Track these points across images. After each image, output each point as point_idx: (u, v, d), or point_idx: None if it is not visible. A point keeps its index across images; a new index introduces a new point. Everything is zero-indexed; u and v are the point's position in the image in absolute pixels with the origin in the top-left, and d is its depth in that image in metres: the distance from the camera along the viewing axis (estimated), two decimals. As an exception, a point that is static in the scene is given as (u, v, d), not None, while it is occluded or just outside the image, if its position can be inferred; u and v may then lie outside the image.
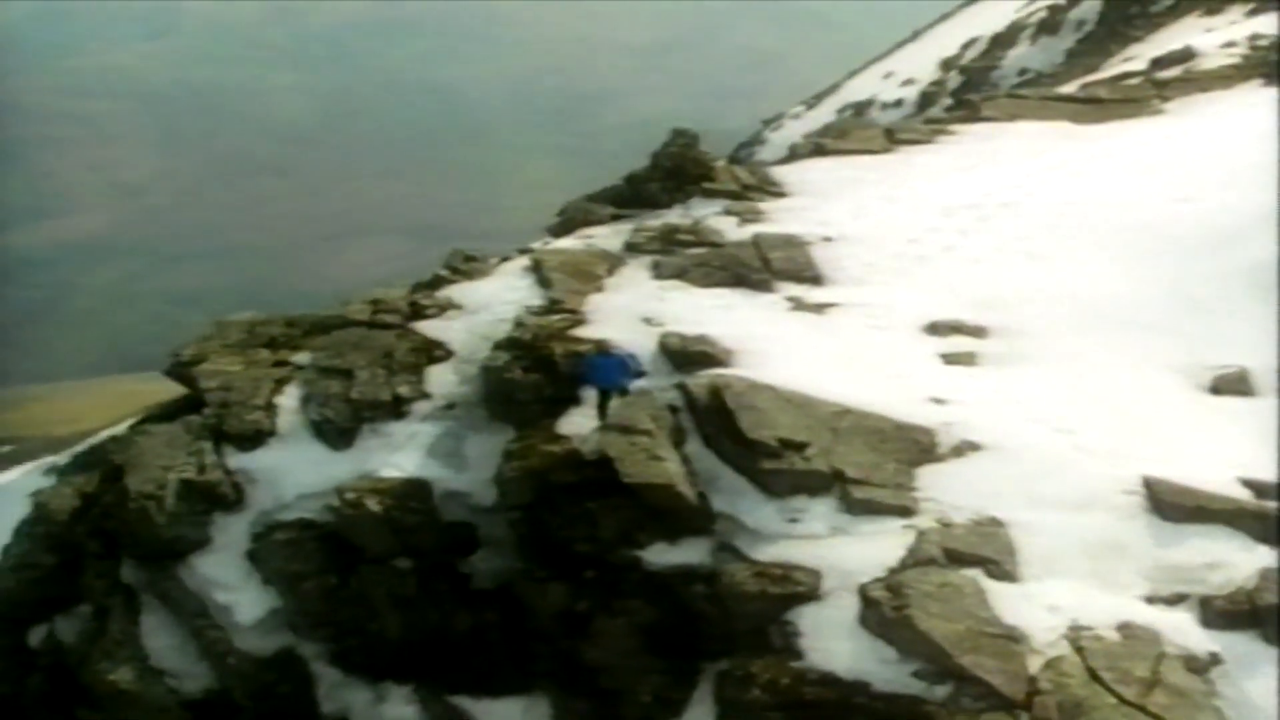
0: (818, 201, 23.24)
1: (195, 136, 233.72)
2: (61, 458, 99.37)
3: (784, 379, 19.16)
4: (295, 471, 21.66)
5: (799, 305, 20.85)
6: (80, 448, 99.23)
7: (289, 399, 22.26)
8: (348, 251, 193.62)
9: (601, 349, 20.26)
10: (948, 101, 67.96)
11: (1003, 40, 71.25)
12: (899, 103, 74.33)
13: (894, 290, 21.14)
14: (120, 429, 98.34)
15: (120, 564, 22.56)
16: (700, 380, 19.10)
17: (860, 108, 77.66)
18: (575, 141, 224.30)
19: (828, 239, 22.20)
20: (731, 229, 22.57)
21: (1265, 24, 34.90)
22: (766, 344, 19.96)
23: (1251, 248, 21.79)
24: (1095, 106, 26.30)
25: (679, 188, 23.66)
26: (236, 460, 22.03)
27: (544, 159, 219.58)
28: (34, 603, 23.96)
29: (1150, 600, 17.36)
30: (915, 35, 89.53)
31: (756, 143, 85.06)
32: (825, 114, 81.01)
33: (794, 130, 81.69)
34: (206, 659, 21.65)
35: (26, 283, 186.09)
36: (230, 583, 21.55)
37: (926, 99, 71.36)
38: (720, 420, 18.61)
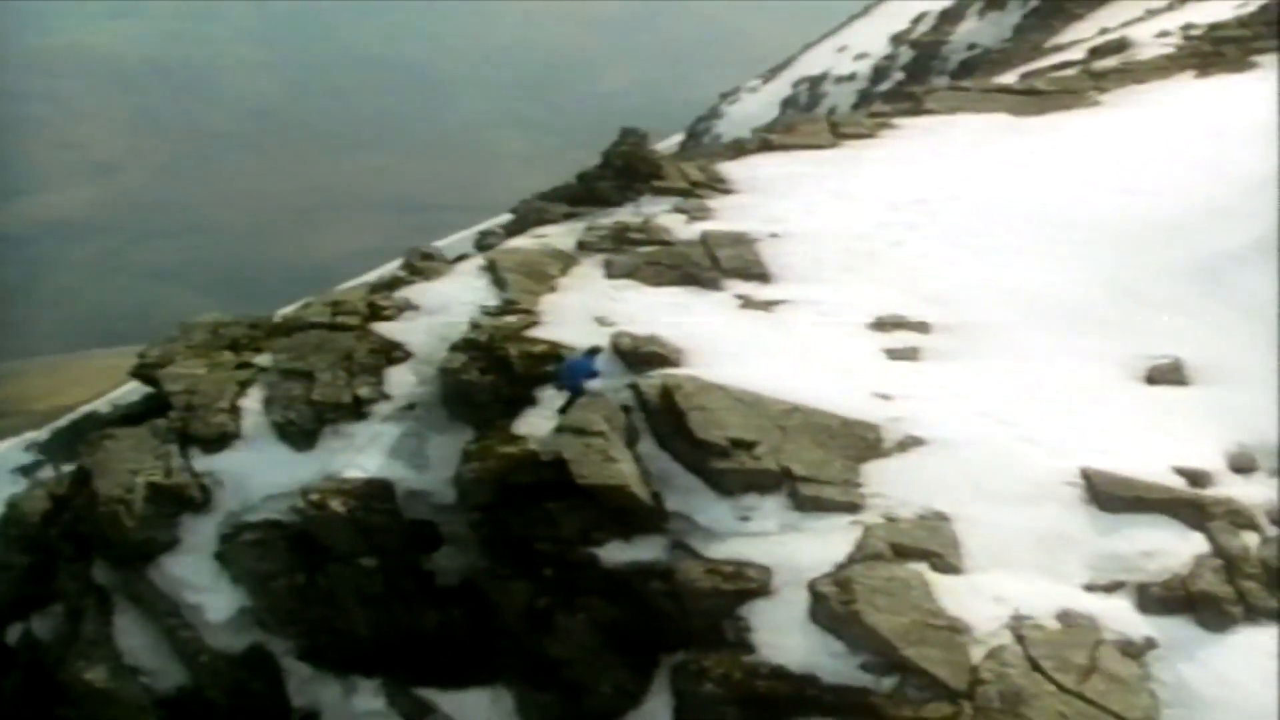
0: (765, 198, 23.19)
1: (166, 114, 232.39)
2: (42, 433, 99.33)
3: (733, 378, 19.20)
4: (261, 473, 21.63)
5: (748, 303, 20.85)
6: (60, 423, 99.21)
7: (252, 401, 22.21)
8: (324, 226, 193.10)
9: (592, 350, 20.20)
10: (899, 75, 68.10)
11: (951, 15, 71.32)
12: (852, 76, 74.37)
13: (841, 286, 21.15)
14: (99, 404, 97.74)
15: (92, 565, 22.52)
16: (651, 381, 19.13)
17: (814, 81, 77.64)
18: (542, 113, 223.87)
19: (775, 236, 22.16)
20: (681, 227, 22.51)
21: (1198, 13, 34.88)
22: (716, 342, 19.96)
23: (1187, 241, 21.91)
24: (1034, 99, 26.28)
25: (630, 186, 23.61)
26: (203, 462, 22.00)
27: (512, 130, 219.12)
28: (10, 603, 23.95)
29: (1090, 588, 17.55)
30: (866, 9, 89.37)
31: (714, 116, 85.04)
32: (781, 87, 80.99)
33: (750, 103, 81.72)
34: (179, 657, 21.64)
35: (4, 260, 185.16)
36: (200, 583, 21.53)
37: (879, 73, 71.43)
38: (672, 421, 18.67)
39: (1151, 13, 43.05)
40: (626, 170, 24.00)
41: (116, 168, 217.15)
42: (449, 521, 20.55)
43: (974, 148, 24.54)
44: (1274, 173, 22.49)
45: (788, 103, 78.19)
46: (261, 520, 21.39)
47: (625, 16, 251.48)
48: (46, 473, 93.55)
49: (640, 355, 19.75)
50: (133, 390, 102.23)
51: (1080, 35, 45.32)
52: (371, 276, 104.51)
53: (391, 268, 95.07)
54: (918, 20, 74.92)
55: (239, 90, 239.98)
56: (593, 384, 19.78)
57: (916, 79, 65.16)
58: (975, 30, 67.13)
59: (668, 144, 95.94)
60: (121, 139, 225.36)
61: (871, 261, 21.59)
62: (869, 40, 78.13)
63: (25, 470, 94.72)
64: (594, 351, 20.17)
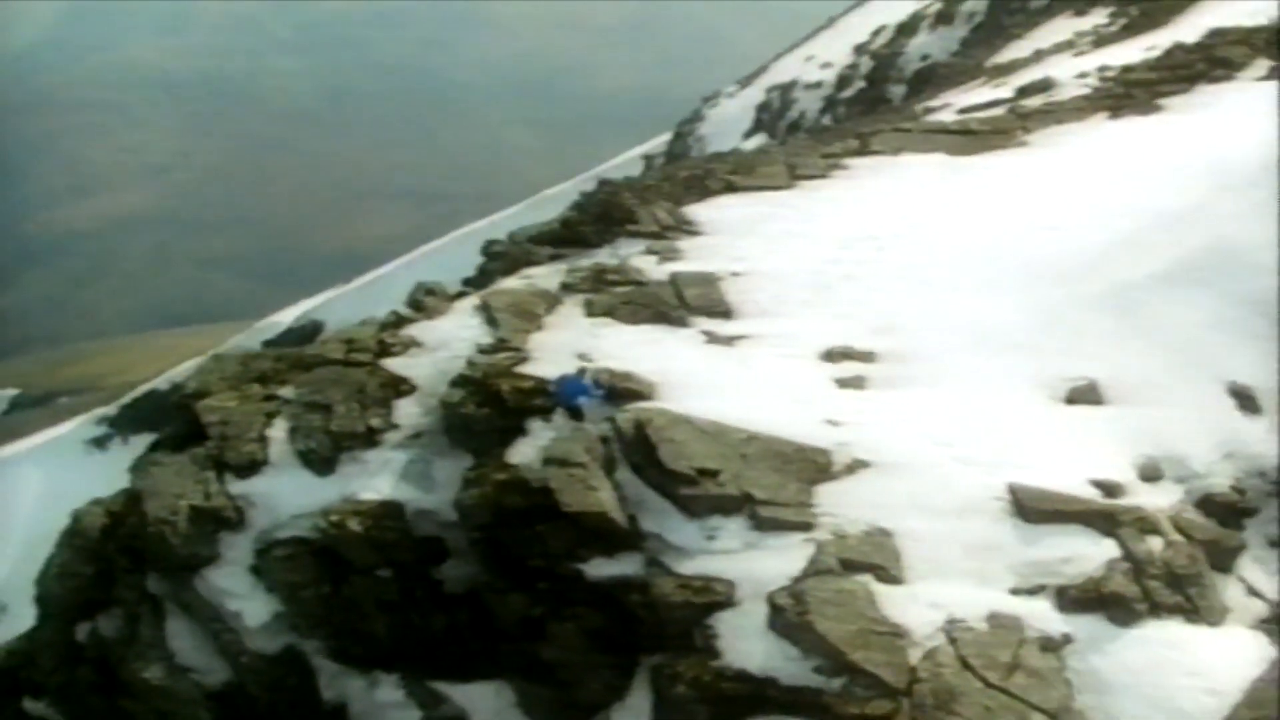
0: (729, 238, 23.22)
1: (211, 120, 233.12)
2: (111, 409, 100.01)
3: (699, 409, 19.39)
4: (287, 496, 21.83)
5: (712, 338, 20.95)
6: (125, 400, 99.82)
7: (278, 431, 22.40)
8: (356, 216, 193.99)
9: (580, 371, 20.41)
10: (861, 84, 68.11)
11: (906, 29, 71.16)
12: (819, 84, 74.22)
13: (797, 320, 21.24)
14: (158, 382, 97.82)
15: (146, 576, 22.80)
16: (627, 415, 19.33)
17: (785, 89, 77.48)
18: (549, 113, 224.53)
19: (738, 274, 22.22)
20: (653, 268, 22.55)
21: (1111, 55, 34.82)
22: (684, 376, 20.12)
23: (1104, 273, 22.03)
24: (969, 138, 26.27)
25: (607, 230, 23.69)
26: (237, 487, 22.20)
27: (523, 129, 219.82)
28: (78, 605, 24.23)
29: (1015, 592, 17.76)
30: (831, 22, 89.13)
31: (696, 119, 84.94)
32: (756, 93, 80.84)
33: (728, 107, 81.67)
34: (224, 657, 21.93)
35: (74, 253, 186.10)
36: (239, 592, 21.76)
37: (843, 81, 71.34)
38: (644, 452, 18.89)
39: (1080, 35, 43.05)
40: (603, 216, 24.11)
41: (169, 169, 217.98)
42: (454, 537, 20.77)
43: (916, 188, 24.54)
44: (1181, 209, 22.66)
45: (762, 107, 78.21)
46: (290, 537, 21.59)
47: (621, 23, 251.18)
48: (115, 445, 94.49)
49: (617, 391, 19.92)
50: (186, 370, 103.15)
51: (1018, 54, 45.38)
52: (401, 261, 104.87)
53: (420, 252, 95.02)
54: (877, 33, 74.85)
55: (275, 97, 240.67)
56: (585, 403, 20.01)
57: (876, 86, 65.32)
58: (927, 43, 67.04)
59: (658, 143, 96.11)
60: (172, 143, 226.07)
61: (825, 296, 21.68)
62: (833, 50, 77.92)
63: (98, 442, 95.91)
64: (581, 372, 20.42)
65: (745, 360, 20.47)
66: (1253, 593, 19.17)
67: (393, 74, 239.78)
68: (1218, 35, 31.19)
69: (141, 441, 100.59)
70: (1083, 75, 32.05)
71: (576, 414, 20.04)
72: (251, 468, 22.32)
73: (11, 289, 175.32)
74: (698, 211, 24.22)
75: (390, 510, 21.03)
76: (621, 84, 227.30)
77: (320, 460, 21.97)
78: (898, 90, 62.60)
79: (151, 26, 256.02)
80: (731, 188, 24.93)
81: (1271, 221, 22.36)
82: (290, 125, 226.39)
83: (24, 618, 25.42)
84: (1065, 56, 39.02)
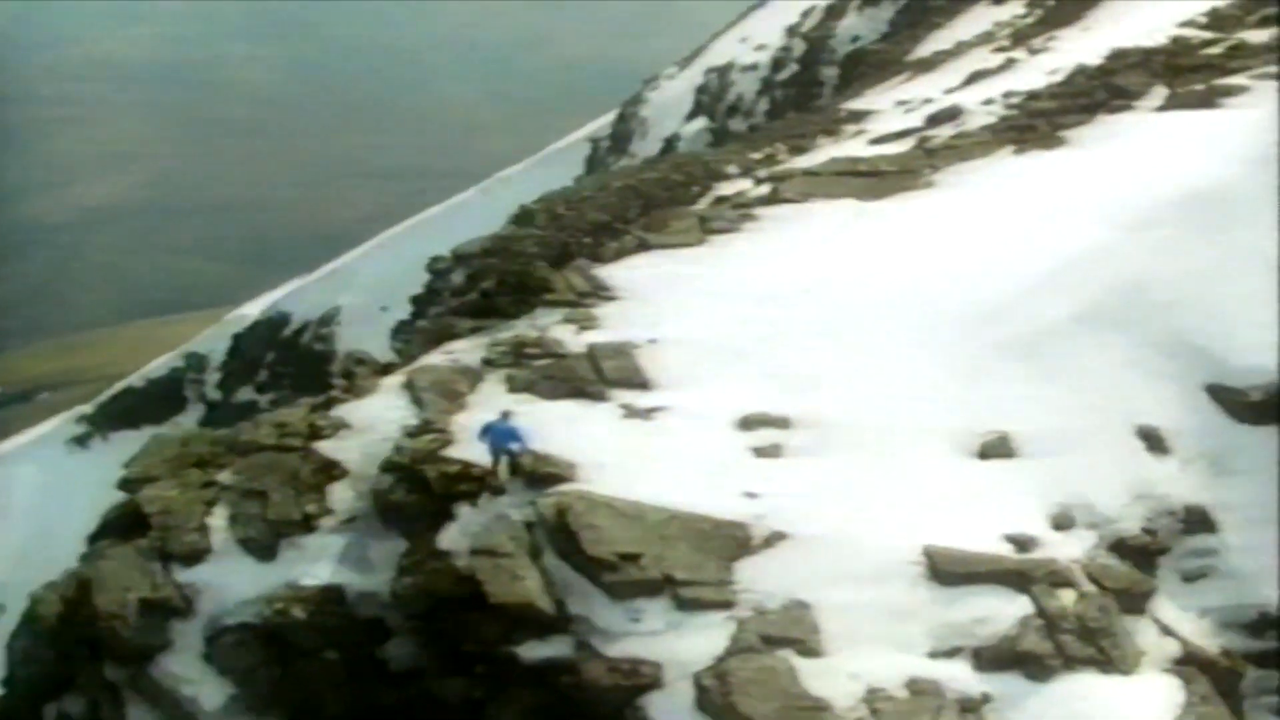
0: (643, 303, 22.94)
1: (176, 108, 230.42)
2: (89, 407, 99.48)
3: (619, 489, 19.32)
4: (232, 583, 21.73)
5: (631, 412, 20.77)
6: (102, 398, 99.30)
7: (218, 519, 22.30)
8: (327, 198, 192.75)
9: (504, 414, 20.29)
10: (795, 67, 67.68)
11: (835, 11, 70.72)
12: (755, 66, 73.73)
13: (713, 388, 21.07)
14: (132, 379, 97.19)
15: (103, 664, 22.72)
16: (548, 501, 19.29)
17: (722, 71, 76.95)
18: (510, 86, 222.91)
19: (654, 341, 22.01)
20: (571, 338, 22.27)
21: (1016, 80, 34.51)
22: (604, 455, 19.99)
23: (1011, 319, 21.95)
24: (877, 180, 26.00)
25: (524, 300, 23.47)
26: (183, 575, 22.11)
27: (485, 104, 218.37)
28: (43, 687, 24.20)
29: (933, 655, 17.88)
30: (763, 2, 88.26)
31: (639, 102, 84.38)
32: (695, 75, 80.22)
33: (669, 90, 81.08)
34: (183, 741, 21.88)
35: (47, 246, 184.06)
36: (193, 677, 21.69)
37: (777, 64, 70.87)
38: (567, 538, 18.87)
39: (999, 26, 42.74)
40: (521, 286, 23.86)
41: (136, 158, 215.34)
42: (394, 618, 20.72)
43: (825, 238, 24.29)
44: (1086, 250, 22.56)
45: (701, 90, 77.71)
46: (238, 624, 21.51)
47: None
48: (95, 443, 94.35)
49: (538, 475, 19.84)
50: (161, 365, 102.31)
51: (940, 45, 45.06)
52: (360, 250, 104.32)
53: (378, 241, 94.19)
54: (807, 14, 74.28)
55: (240, 83, 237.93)
56: (516, 447, 19.85)
57: (809, 69, 64.98)
58: (856, 25, 66.72)
59: (604, 123, 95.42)
60: (138, 132, 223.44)
61: (738, 360, 21.51)
62: (767, 32, 77.25)
63: (79, 440, 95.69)
64: (506, 415, 20.31)
65: (663, 434, 20.36)
66: (1166, 632, 19.33)
67: (353, 54, 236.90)
68: (1118, 58, 30.97)
69: (121, 439, 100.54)
70: (989, 102, 31.79)
71: (510, 459, 19.99)
72: (195, 557, 22.15)
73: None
74: (612, 274, 23.95)
75: (331, 595, 20.95)
76: (577, 54, 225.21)
77: (261, 547, 21.84)
78: (830, 73, 62.39)
79: (107, 19, 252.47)
80: (644, 245, 24.65)
81: (1176, 259, 22.36)
82: (255, 109, 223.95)
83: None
84: (984, 51, 38.80)
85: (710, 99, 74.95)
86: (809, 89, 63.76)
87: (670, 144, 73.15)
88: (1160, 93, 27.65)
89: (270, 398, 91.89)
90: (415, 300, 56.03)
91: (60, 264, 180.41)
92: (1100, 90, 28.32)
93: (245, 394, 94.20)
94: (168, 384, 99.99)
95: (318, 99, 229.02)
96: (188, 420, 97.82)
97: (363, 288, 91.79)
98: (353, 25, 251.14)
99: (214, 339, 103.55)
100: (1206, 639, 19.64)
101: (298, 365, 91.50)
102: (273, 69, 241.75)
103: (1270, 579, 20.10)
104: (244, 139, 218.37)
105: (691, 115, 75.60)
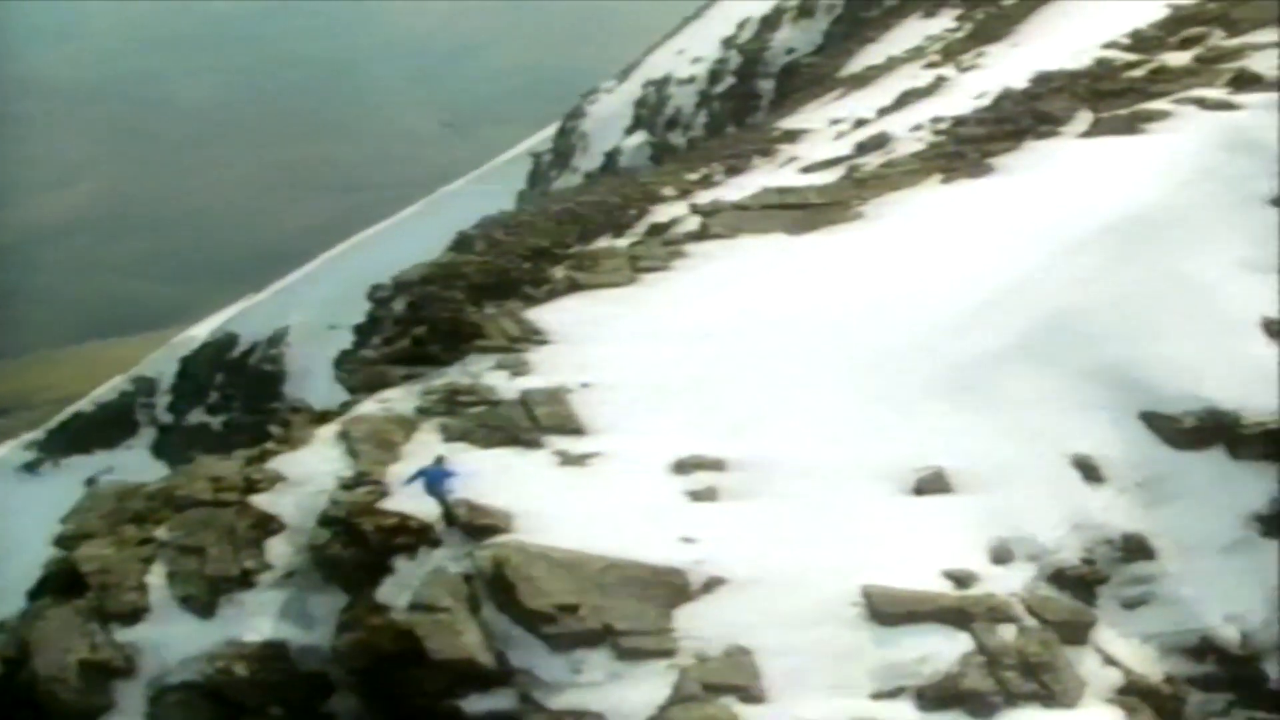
0: (576, 346, 22.79)
1: (117, 124, 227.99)
2: (39, 433, 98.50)
3: (556, 539, 19.19)
4: (173, 642, 21.47)
5: (565, 459, 20.64)
6: (51, 424, 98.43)
7: (156, 577, 22.04)
8: (274, 211, 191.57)
9: (438, 459, 20.24)
10: (731, 80, 67.76)
11: (770, 22, 70.83)
12: (692, 79, 73.75)
13: (647, 431, 20.98)
14: (82, 403, 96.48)
15: (48, 725, 22.40)
16: (485, 553, 19.15)
17: (660, 84, 76.92)
18: (447, 94, 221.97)
19: (587, 385, 21.88)
20: (504, 384, 22.06)
21: (944, 105, 34.60)
22: (540, 504, 19.86)
23: (945, 353, 21.97)
24: (806, 213, 25.97)
25: (456, 346, 23.28)
26: (123, 634, 21.80)
27: (424, 112, 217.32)
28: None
29: (876, 697, 17.84)
30: (699, 12, 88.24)
31: (579, 115, 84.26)
32: (633, 88, 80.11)
33: (607, 104, 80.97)
34: (134, 800, 21.58)
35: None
36: (139, 737, 21.45)
37: (714, 76, 70.95)
38: (505, 591, 18.75)
39: (930, 40, 42.89)
40: (452, 333, 23.67)
41: (80, 177, 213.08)
42: (337, 671, 20.54)
43: (755, 273, 24.19)
44: (1015, 280, 22.59)
45: (640, 103, 77.65)
46: (180, 683, 21.24)
47: (506, 5, 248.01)
48: (47, 469, 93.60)
49: (475, 527, 19.70)
50: (111, 389, 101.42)
51: (872, 60, 45.20)
52: (319, 260, 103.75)
53: (338, 250, 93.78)
54: (742, 25, 74.34)
55: (181, 97, 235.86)
56: (451, 490, 19.74)
57: (745, 82, 65.13)
58: (790, 36, 66.81)
59: (545, 136, 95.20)
60: (81, 150, 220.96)
61: (672, 402, 21.41)
62: (703, 44, 77.18)
63: (29, 466, 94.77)
64: (440, 460, 20.21)
65: (599, 480, 20.26)
66: (1109, 662, 19.41)
67: (294, 67, 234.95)
68: (1043, 81, 31.13)
69: (73, 464, 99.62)
70: (917, 128, 31.86)
71: (445, 504, 19.84)
72: (134, 616, 21.85)
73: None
74: (544, 317, 23.79)
75: (273, 651, 20.72)
76: (518, 62, 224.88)
77: (200, 604, 21.57)
78: (767, 85, 62.55)
79: (43, 36, 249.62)
80: (575, 286, 24.50)
81: (1104, 287, 22.44)
82: (198, 124, 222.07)
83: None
84: (915, 66, 38.90)
85: (649, 112, 74.92)
86: (746, 102, 63.98)
87: (611, 158, 73.14)
88: (1085, 118, 27.78)
89: (222, 419, 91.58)
90: (357, 329, 55.69)
91: (6, 286, 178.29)
92: (1026, 116, 28.45)
93: (197, 416, 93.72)
94: (118, 408, 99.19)
95: (258, 111, 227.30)
96: (140, 444, 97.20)
97: (310, 306, 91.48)
98: (290, 36, 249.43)
99: (162, 361, 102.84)
100: (1149, 666, 19.74)
101: (248, 386, 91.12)
102: (211, 82, 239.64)
103: (1210, 603, 20.20)
104: (188, 154, 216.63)
105: (631, 129, 75.50)
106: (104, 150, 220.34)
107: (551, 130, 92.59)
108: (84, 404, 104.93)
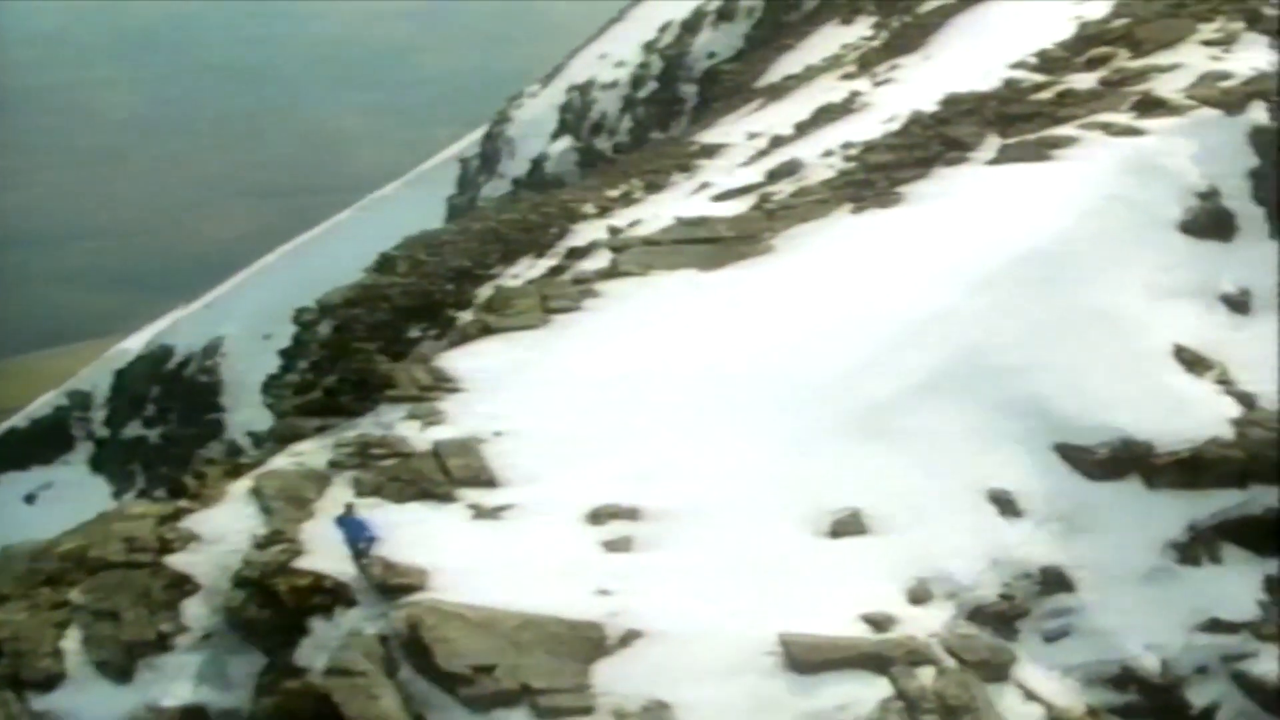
0: (488, 394, 22.45)
1: (40, 135, 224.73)
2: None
3: (472, 596, 18.94)
4: (90, 708, 21.05)
5: (479, 513, 20.36)
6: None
7: (71, 642, 21.60)
8: (203, 219, 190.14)
9: (347, 508, 20.00)
10: (654, 84, 67.68)
11: (690, 25, 70.79)
12: (615, 83, 73.58)
13: (560, 481, 20.73)
14: (16, 419, 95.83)
15: (-37, 802, 21.96)
16: (399, 613, 18.87)
17: (584, 89, 76.73)
18: (376, 98, 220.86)
19: (499, 434, 21.62)
20: (416, 435, 21.70)
21: (854, 129, 34.58)
22: (454, 560, 19.60)
23: (857, 392, 21.88)
24: (717, 247, 25.80)
25: (367, 396, 22.98)
26: (39, 702, 21.36)
27: (352, 116, 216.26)
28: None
29: (796, 748, 17.73)
30: (621, 15, 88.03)
31: (504, 120, 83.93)
32: (557, 93, 79.83)
33: (531, 109, 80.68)
34: None
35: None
36: (57, 808, 21.03)
37: (637, 81, 70.83)
38: (420, 652, 18.49)
39: (846, 48, 42.89)
40: (362, 383, 23.36)
41: (6, 188, 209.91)
42: (261, 733, 20.25)
43: (667, 314, 23.97)
44: (926, 315, 22.54)
45: (565, 108, 77.47)
46: (97, 751, 20.88)
47: (430, 7, 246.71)
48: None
49: (389, 586, 19.42)
50: (44, 403, 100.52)
51: (791, 69, 45.20)
52: (252, 269, 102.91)
53: (270, 259, 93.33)
54: (664, 29, 74.22)
55: (103, 106, 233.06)
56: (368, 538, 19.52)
57: (668, 86, 65.10)
58: (712, 40, 66.86)
59: (472, 140, 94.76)
60: (5, 162, 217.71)
61: (585, 450, 21.18)
62: (625, 48, 77.01)
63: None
64: (350, 508, 19.97)
65: (513, 533, 20.04)
66: (1031, 697, 19.40)
67: (217, 72, 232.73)
68: (951, 104, 31.14)
69: (10, 480, 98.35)
70: (828, 154, 31.85)
71: (363, 555, 19.54)
72: (50, 683, 21.37)
73: None
74: (456, 363, 23.49)
75: (193, 715, 20.29)
76: (442, 64, 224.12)
77: (116, 670, 21.13)
78: (689, 89, 62.52)
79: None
80: (487, 329, 24.23)
81: (1015, 319, 22.46)
82: (122, 134, 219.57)
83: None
84: (831, 77, 38.89)
85: (574, 117, 74.74)
86: (670, 107, 64.04)
87: (538, 164, 72.94)
88: (993, 143, 27.78)
89: (159, 432, 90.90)
90: (283, 353, 55.23)
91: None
92: (935, 142, 28.44)
93: (134, 429, 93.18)
94: (53, 423, 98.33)
95: (183, 119, 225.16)
96: (78, 458, 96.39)
97: (244, 316, 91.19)
98: (216, 45, 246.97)
99: (96, 375, 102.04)
100: (1071, 699, 19.74)
101: (184, 399, 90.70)
102: (137, 92, 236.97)
103: (1130, 632, 20.29)
104: (114, 164, 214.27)
105: (557, 134, 75.29)
106: (28, 162, 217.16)
107: (479, 134, 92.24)
108: (18, 419, 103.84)
